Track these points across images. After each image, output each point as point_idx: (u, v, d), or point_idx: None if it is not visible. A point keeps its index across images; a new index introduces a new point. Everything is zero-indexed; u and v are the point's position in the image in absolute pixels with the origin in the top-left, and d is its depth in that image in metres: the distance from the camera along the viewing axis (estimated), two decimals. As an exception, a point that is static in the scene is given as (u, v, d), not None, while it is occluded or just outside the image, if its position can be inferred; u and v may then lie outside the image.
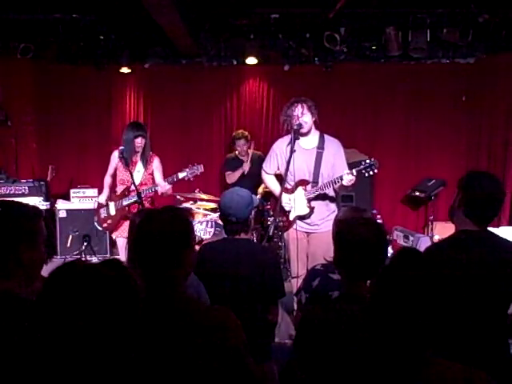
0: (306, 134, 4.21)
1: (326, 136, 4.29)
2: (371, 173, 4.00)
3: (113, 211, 4.87)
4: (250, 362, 1.76)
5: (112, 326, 1.24)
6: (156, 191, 4.75)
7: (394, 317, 1.39)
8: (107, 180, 5.03)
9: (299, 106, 4.16)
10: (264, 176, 4.55)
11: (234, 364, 1.69)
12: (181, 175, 4.74)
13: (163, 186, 4.72)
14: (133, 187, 4.68)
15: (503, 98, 6.77)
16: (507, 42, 6.33)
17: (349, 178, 3.96)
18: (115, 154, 4.91)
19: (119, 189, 4.91)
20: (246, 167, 6.35)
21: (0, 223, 1.71)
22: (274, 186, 4.45)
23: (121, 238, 4.84)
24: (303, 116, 4.14)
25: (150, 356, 1.60)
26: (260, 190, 6.36)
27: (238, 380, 1.70)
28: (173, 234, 1.78)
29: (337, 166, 4.18)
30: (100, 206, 5.01)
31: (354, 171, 3.99)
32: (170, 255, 1.76)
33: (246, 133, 6.53)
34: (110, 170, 5.02)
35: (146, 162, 4.85)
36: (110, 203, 4.89)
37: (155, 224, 1.79)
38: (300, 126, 4.12)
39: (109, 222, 4.91)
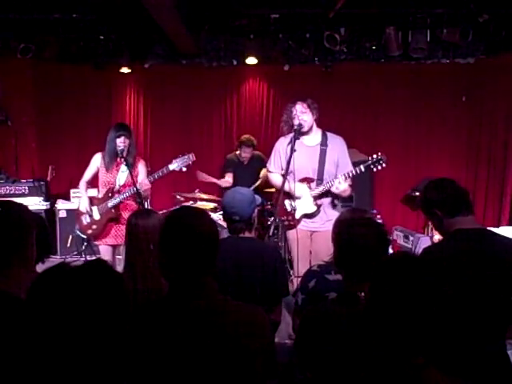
0: (307, 133, 4.21)
1: (328, 133, 4.28)
2: (379, 167, 4.02)
3: (97, 216, 4.62)
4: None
5: (99, 326, 1.23)
6: (140, 194, 4.39)
7: (387, 321, 1.39)
8: (84, 186, 4.74)
9: (298, 104, 4.16)
10: (268, 175, 4.53)
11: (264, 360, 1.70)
12: (171, 167, 4.47)
13: (143, 185, 4.43)
14: (117, 187, 4.54)
15: (503, 98, 6.78)
16: (507, 41, 6.32)
17: (337, 185, 4.00)
18: (96, 158, 4.67)
19: (102, 192, 4.66)
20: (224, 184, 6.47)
21: None
22: (279, 182, 4.37)
23: (105, 246, 4.61)
24: (303, 114, 4.14)
25: (186, 352, 1.60)
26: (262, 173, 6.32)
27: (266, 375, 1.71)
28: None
29: (340, 164, 4.18)
30: (80, 213, 4.73)
31: (362, 167, 4.02)
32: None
33: (254, 140, 6.52)
34: (88, 176, 4.71)
35: (132, 164, 4.55)
36: (92, 208, 4.63)
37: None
38: (300, 125, 4.12)
39: (94, 227, 4.63)
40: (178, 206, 6.25)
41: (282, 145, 4.31)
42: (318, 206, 4.19)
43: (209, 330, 1.63)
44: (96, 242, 4.77)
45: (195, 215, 1.80)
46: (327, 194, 4.19)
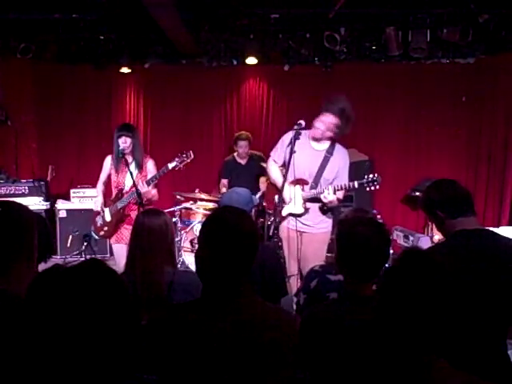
0: (317, 140, 4.23)
1: (336, 144, 4.28)
2: (372, 188, 4.06)
3: (108, 217, 4.66)
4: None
5: (97, 324, 1.23)
6: (140, 195, 4.35)
7: (400, 318, 1.39)
8: (100, 187, 4.80)
9: (331, 120, 4.10)
10: (270, 164, 4.47)
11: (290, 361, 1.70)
12: (171, 165, 4.49)
13: (143, 188, 4.41)
14: (126, 189, 4.57)
15: (503, 98, 6.78)
16: (507, 42, 6.32)
17: (325, 195, 4.02)
18: (107, 160, 4.73)
19: (114, 193, 4.70)
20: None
21: None
22: (276, 176, 4.37)
23: (119, 244, 4.62)
24: (327, 133, 4.12)
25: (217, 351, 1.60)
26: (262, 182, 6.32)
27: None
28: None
29: (339, 175, 4.20)
30: (96, 214, 4.78)
31: (355, 184, 4.04)
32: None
33: (250, 135, 6.52)
34: (103, 177, 4.79)
35: (139, 164, 4.58)
36: (105, 209, 4.68)
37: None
38: (300, 125, 4.12)
39: (105, 229, 4.69)
40: (178, 206, 6.25)
41: (289, 137, 4.23)
42: (306, 209, 4.21)
43: (248, 330, 1.64)
44: (111, 242, 4.80)
45: (238, 215, 1.79)
46: (317, 199, 4.20)
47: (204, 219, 5.89)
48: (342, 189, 4.08)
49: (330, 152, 4.21)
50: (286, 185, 4.13)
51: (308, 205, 4.21)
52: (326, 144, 4.25)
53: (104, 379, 1.24)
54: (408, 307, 1.39)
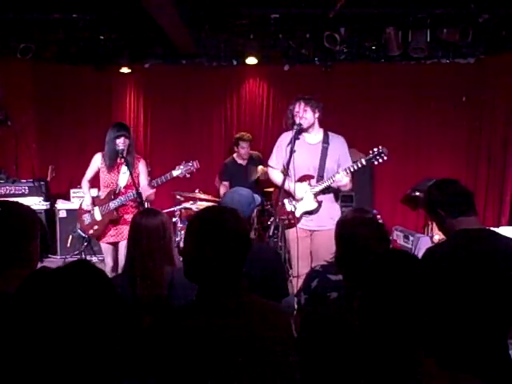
0: (307, 130, 4.23)
1: (330, 133, 4.32)
2: (380, 160, 4.04)
3: (98, 216, 4.61)
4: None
5: (85, 324, 1.23)
6: (140, 195, 4.39)
7: (381, 316, 1.39)
8: (86, 185, 4.76)
9: (299, 102, 4.18)
10: (270, 171, 4.54)
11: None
12: (175, 173, 4.48)
13: (145, 190, 4.45)
14: (119, 189, 4.56)
15: (503, 98, 6.78)
16: (507, 42, 6.33)
17: (339, 178, 4.02)
18: (97, 158, 4.68)
19: (103, 192, 4.66)
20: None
21: None
22: (280, 180, 4.34)
23: (106, 244, 4.64)
24: (304, 113, 4.15)
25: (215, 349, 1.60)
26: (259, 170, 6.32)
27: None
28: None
29: (342, 162, 4.20)
30: (82, 212, 4.72)
31: (363, 161, 4.04)
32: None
33: (251, 136, 6.52)
34: (90, 174, 4.74)
35: (132, 164, 4.55)
36: (94, 208, 4.63)
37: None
38: (300, 125, 4.14)
39: (95, 228, 4.63)
40: (178, 206, 6.25)
41: (284, 140, 4.30)
42: (319, 203, 4.21)
43: (247, 329, 1.63)
44: (101, 241, 4.78)
45: (229, 214, 1.78)
46: (328, 190, 4.20)
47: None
48: (352, 170, 4.07)
49: (325, 142, 4.24)
50: (291, 184, 4.14)
51: (319, 198, 4.22)
52: (320, 135, 4.28)
53: (99, 381, 1.24)
54: (388, 306, 1.38)
